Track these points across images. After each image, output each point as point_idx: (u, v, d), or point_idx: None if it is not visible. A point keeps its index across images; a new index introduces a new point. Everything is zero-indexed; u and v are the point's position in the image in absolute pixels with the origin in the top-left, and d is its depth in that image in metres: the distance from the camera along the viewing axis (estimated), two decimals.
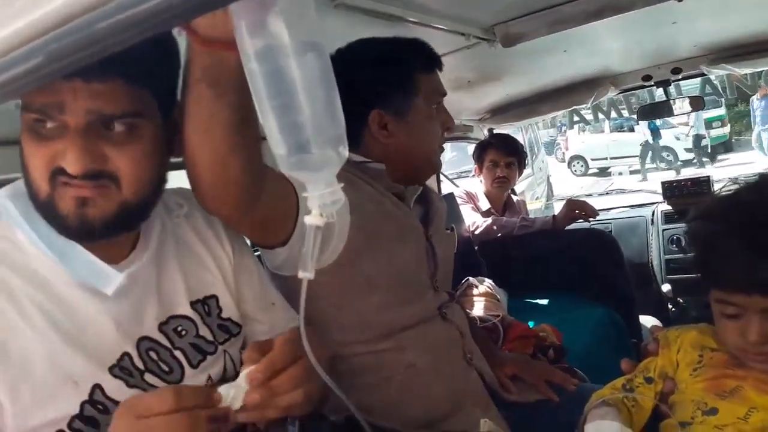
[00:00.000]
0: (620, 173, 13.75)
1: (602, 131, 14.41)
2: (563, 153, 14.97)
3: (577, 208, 2.68)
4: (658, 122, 13.55)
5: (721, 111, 14.56)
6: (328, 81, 0.58)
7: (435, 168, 1.39)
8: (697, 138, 13.55)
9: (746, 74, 2.83)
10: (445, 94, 1.34)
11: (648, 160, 13.31)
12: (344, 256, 1.15)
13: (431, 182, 1.51)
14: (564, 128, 15.06)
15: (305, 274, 0.60)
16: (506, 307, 2.27)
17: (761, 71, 2.76)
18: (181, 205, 1.00)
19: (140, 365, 0.85)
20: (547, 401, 1.43)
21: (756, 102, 12.24)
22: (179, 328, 0.91)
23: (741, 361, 0.92)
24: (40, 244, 0.81)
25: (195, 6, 0.45)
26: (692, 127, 13.47)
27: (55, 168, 0.78)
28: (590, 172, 14.29)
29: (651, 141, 13.26)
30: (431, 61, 1.32)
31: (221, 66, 0.72)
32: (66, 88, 0.75)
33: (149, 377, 0.85)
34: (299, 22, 0.56)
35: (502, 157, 2.87)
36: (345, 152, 0.59)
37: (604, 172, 14.08)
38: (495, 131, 3.26)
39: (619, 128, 14.43)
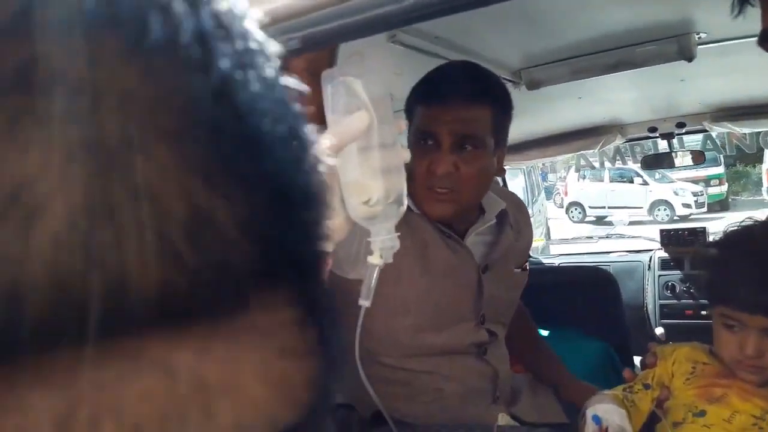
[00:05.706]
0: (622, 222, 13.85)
1: (601, 180, 14.63)
2: (562, 198, 15.18)
3: None
4: (656, 175, 13.84)
5: (720, 170, 14.86)
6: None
7: (423, 199, 1.27)
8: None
9: (745, 134, 3.00)
10: (429, 135, 1.24)
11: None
12: (387, 276, 1.25)
13: (519, 216, 1.52)
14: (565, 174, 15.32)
15: (364, 302, 0.74)
16: None
17: (760, 132, 2.92)
18: None
19: None
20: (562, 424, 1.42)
21: None
22: None
23: (728, 373, 1.06)
24: None
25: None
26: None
27: None
28: (587, 219, 14.48)
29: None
30: (427, 92, 1.28)
31: (322, 59, 0.87)
32: None
33: None
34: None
35: None
36: (404, 208, 0.72)
37: (601, 221, 14.26)
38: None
39: (618, 178, 14.67)
